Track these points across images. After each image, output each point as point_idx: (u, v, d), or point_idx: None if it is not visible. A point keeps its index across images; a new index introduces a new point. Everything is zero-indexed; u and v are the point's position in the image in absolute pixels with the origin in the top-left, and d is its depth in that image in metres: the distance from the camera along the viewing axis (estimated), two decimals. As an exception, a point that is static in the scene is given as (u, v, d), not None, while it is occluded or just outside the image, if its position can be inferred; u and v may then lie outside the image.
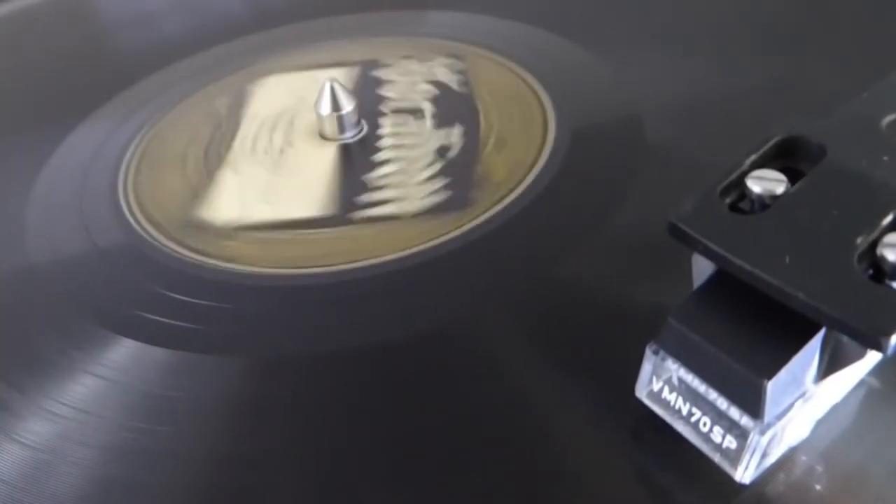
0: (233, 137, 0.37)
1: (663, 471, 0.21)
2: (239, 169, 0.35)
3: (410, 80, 0.39)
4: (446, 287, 0.27)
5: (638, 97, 0.35)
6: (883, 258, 0.18)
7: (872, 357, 0.20)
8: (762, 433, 0.19)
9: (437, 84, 0.38)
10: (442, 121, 0.35)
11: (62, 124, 0.40)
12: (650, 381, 0.21)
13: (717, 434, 0.19)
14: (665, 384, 0.20)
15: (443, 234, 0.29)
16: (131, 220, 0.32)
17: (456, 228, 0.29)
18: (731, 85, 0.35)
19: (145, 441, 0.23)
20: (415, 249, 0.29)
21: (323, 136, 0.35)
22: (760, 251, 0.19)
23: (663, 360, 0.20)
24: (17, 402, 0.25)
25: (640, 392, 0.21)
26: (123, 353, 0.26)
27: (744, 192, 0.20)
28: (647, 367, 0.21)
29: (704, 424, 0.20)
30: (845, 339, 0.19)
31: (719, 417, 0.19)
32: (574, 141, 0.33)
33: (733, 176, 0.20)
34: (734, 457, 0.19)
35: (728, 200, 0.20)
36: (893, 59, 0.34)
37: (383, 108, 0.37)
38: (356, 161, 0.34)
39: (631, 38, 0.40)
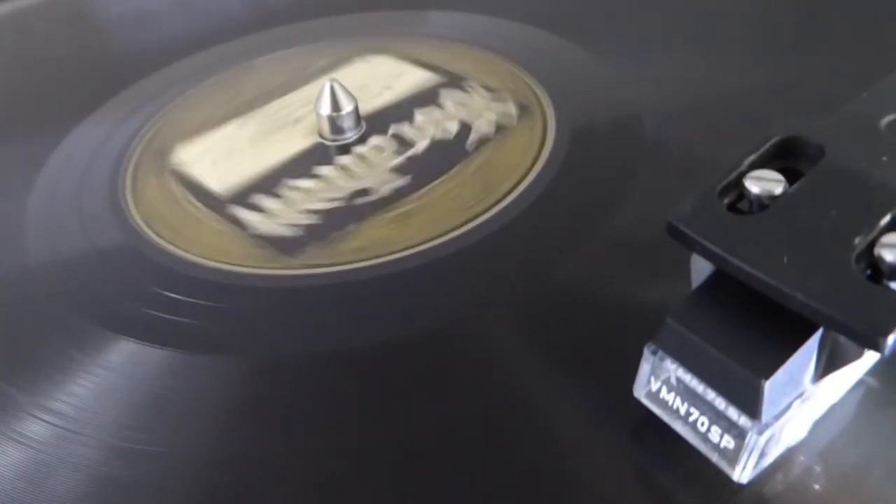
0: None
1: (661, 471, 0.21)
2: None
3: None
4: (446, 287, 0.27)
5: (638, 97, 0.35)
6: (881, 258, 0.18)
7: (870, 357, 0.20)
8: (760, 433, 0.19)
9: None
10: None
11: (62, 124, 0.40)
12: (648, 382, 0.21)
13: (715, 434, 0.20)
14: (663, 384, 0.20)
15: (443, 235, 0.29)
16: (131, 220, 0.32)
17: (456, 228, 0.29)
18: (731, 85, 0.35)
19: (145, 441, 0.24)
20: (415, 250, 0.29)
21: (322, 136, 0.35)
22: (758, 251, 0.19)
23: (662, 360, 0.20)
24: (17, 401, 0.25)
25: (639, 392, 0.21)
26: (123, 353, 0.26)
27: (742, 193, 0.20)
28: (645, 368, 0.21)
29: (702, 424, 0.20)
30: (843, 339, 0.19)
31: (717, 417, 0.19)
32: (574, 141, 0.33)
33: (732, 176, 0.21)
34: (732, 456, 0.19)
35: (726, 201, 0.20)
36: (893, 59, 0.34)
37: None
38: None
39: (631, 38, 0.40)
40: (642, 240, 0.27)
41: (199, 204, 0.33)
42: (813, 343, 0.19)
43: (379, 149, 0.34)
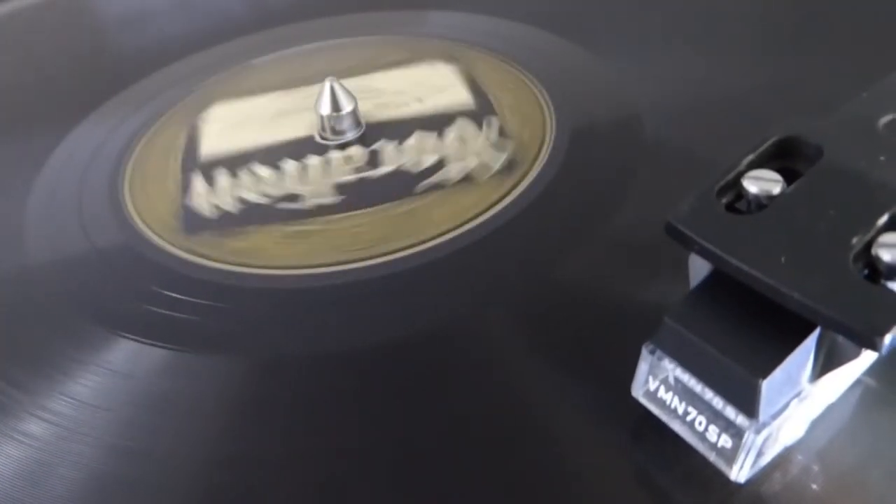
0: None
1: (659, 470, 0.21)
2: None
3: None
4: (446, 287, 0.27)
5: (638, 97, 0.35)
6: (878, 258, 0.18)
7: (868, 357, 0.20)
8: (757, 432, 0.19)
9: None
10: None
11: (62, 124, 0.40)
12: (646, 381, 0.21)
13: (712, 433, 0.20)
14: (661, 384, 0.20)
15: (442, 235, 0.29)
16: (131, 219, 0.32)
17: (456, 228, 0.29)
18: (730, 85, 0.35)
19: (145, 441, 0.24)
20: (414, 250, 0.29)
21: (322, 136, 0.35)
22: (756, 251, 0.19)
23: (660, 359, 0.20)
24: (17, 401, 0.25)
25: (637, 391, 0.21)
26: (123, 352, 0.26)
27: (740, 193, 0.20)
28: (643, 367, 0.21)
29: (700, 424, 0.20)
30: (840, 338, 0.19)
31: (715, 417, 0.19)
32: (574, 141, 0.33)
33: (730, 176, 0.21)
34: (729, 456, 0.19)
35: (725, 201, 0.20)
36: (893, 59, 0.34)
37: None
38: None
39: (631, 38, 0.40)
40: (642, 240, 0.27)
41: (178, 161, 0.35)
42: (810, 342, 0.19)
43: (348, 159, 0.34)
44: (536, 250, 0.28)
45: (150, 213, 0.33)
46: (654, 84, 0.36)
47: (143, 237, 0.31)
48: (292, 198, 0.32)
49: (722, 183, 0.20)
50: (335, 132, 0.35)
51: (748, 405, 0.19)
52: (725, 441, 0.19)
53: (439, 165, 0.33)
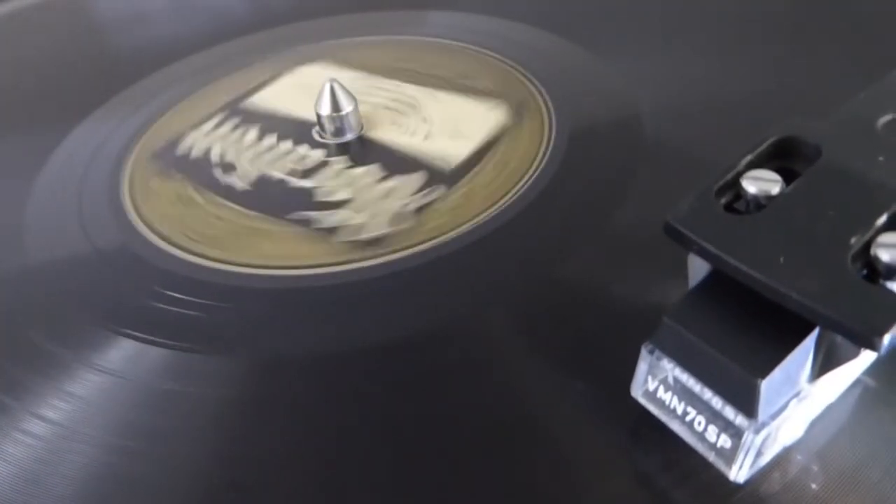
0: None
1: (659, 470, 0.21)
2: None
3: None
4: (446, 287, 0.27)
5: (638, 97, 0.35)
6: (877, 258, 0.18)
7: (867, 356, 0.20)
8: (756, 432, 0.19)
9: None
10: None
11: (62, 124, 0.40)
12: (646, 381, 0.21)
13: (711, 433, 0.20)
14: (660, 384, 0.20)
15: (442, 235, 0.29)
16: (131, 220, 0.32)
17: (456, 229, 0.29)
18: (730, 85, 0.35)
19: (145, 441, 0.24)
20: (414, 250, 0.29)
21: (321, 136, 0.35)
22: (755, 251, 0.19)
23: (659, 359, 0.20)
24: (17, 401, 0.25)
25: (636, 392, 0.21)
26: (123, 352, 0.26)
27: (739, 193, 0.20)
28: (642, 367, 0.21)
29: (699, 424, 0.20)
30: (839, 338, 0.19)
31: (714, 417, 0.19)
32: (573, 141, 0.33)
33: (729, 176, 0.21)
34: (729, 456, 0.19)
35: (723, 201, 0.20)
36: (893, 60, 0.34)
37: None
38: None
39: (630, 38, 0.40)
40: (642, 240, 0.28)
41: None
42: (809, 342, 0.19)
43: (300, 158, 0.34)
44: (536, 250, 0.28)
45: (150, 213, 0.33)
46: (653, 84, 0.36)
47: (143, 237, 0.31)
48: (228, 167, 0.34)
49: (721, 183, 0.20)
50: (323, 129, 0.35)
51: (747, 405, 0.19)
52: (725, 441, 0.19)
53: (340, 204, 0.32)
